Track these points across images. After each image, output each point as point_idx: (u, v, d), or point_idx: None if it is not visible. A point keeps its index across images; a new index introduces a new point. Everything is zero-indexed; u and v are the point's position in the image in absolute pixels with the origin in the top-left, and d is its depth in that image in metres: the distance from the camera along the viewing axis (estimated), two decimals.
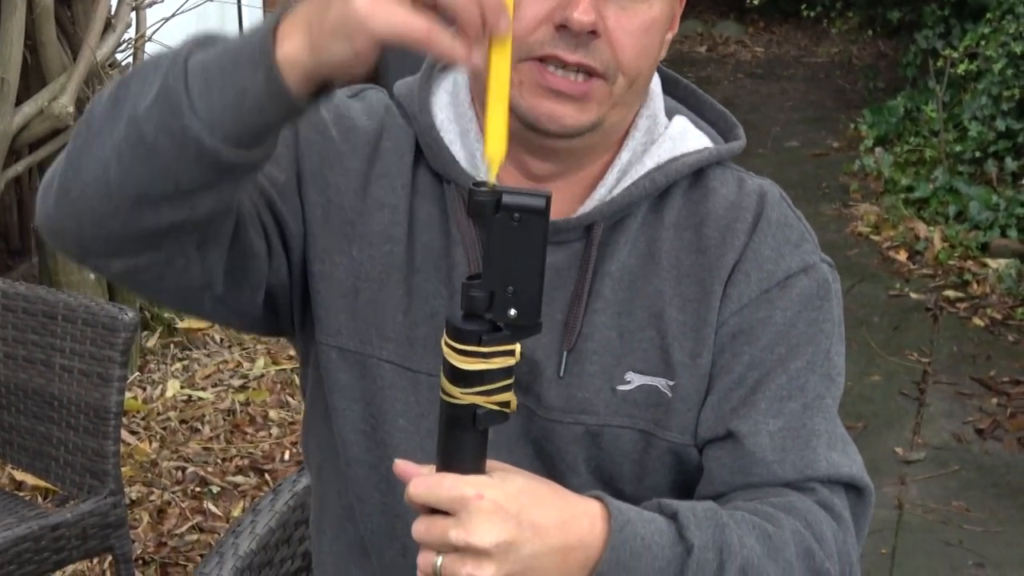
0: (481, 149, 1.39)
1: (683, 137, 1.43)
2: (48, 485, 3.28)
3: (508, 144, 1.32)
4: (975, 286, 5.24)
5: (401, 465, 1.19)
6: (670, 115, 1.46)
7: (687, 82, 1.50)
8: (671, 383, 1.37)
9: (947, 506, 3.76)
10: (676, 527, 1.23)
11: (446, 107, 1.43)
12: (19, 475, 3.59)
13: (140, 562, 3.37)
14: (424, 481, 1.15)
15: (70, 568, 3.26)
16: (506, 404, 1.14)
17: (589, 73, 1.30)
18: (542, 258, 1.11)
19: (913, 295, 5.23)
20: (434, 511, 1.15)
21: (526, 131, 1.34)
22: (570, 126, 1.33)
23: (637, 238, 1.39)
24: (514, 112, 1.31)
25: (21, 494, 3.38)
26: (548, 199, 1.09)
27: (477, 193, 1.08)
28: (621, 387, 1.37)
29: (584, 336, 1.36)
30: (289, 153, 1.40)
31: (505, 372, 1.13)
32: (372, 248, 1.39)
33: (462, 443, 1.15)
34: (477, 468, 1.16)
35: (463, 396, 1.13)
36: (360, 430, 1.42)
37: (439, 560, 1.14)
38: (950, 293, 5.21)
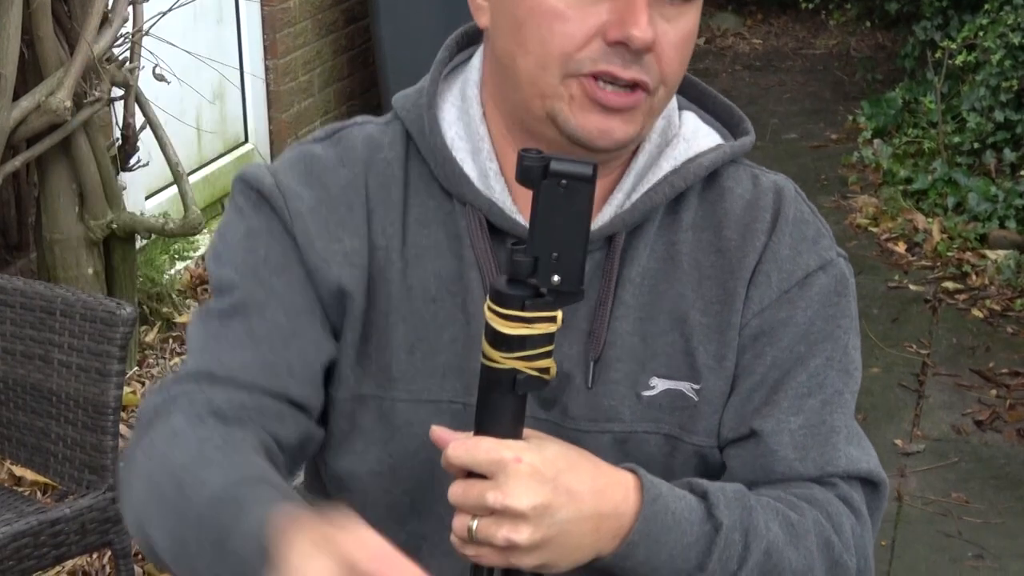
0: (494, 167, 1.37)
1: (695, 136, 1.42)
2: (47, 480, 3.28)
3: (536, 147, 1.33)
4: (974, 277, 5.24)
5: (438, 431, 1.21)
6: (679, 111, 1.45)
7: (691, 76, 1.48)
8: (696, 387, 1.37)
9: (946, 498, 3.77)
10: (706, 505, 1.25)
11: (455, 123, 1.40)
12: (18, 470, 3.59)
13: (139, 557, 3.37)
14: (462, 444, 1.16)
15: (69, 563, 3.26)
16: (546, 370, 1.16)
17: (636, 85, 1.29)
18: (587, 225, 1.13)
19: (912, 287, 5.23)
20: (470, 475, 1.17)
21: (572, 146, 1.32)
22: (620, 140, 1.32)
23: (656, 242, 1.39)
24: (561, 126, 1.31)
25: (20, 489, 3.38)
26: (595, 167, 1.11)
27: (526, 159, 1.11)
28: (646, 393, 1.36)
29: (608, 344, 1.36)
30: (312, 303, 1.36)
31: (546, 338, 1.15)
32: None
33: (500, 407, 1.17)
34: (514, 433, 1.18)
35: (504, 360, 1.15)
36: (377, 472, 1.40)
37: (475, 523, 1.15)
38: (949, 285, 5.21)
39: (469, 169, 1.38)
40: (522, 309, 1.13)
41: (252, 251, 1.36)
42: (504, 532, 1.14)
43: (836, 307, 1.39)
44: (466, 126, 1.40)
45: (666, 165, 1.39)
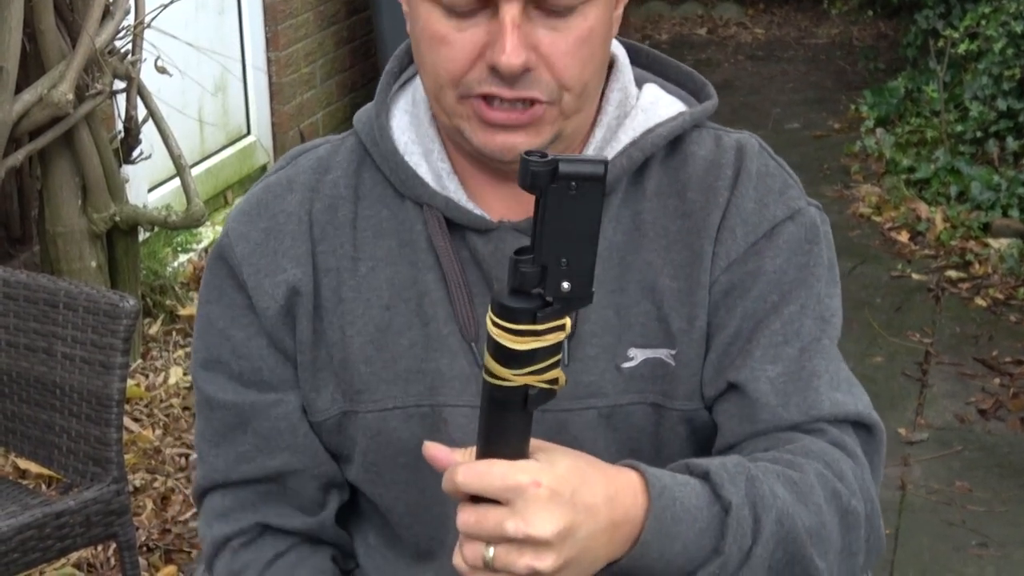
0: (446, 167, 1.38)
1: (655, 106, 1.41)
2: (51, 473, 3.29)
3: (474, 168, 1.35)
4: (977, 266, 5.23)
5: (432, 449, 1.16)
6: (639, 84, 1.44)
7: (648, 48, 1.48)
8: (673, 352, 1.36)
9: (950, 487, 3.77)
10: (710, 487, 1.21)
11: (408, 128, 1.41)
12: (22, 463, 3.60)
13: (144, 549, 3.37)
14: (472, 469, 1.10)
15: (74, 555, 3.26)
16: (555, 381, 1.10)
17: (532, 101, 1.28)
18: (598, 226, 1.06)
19: (915, 276, 5.23)
20: (477, 498, 1.11)
21: (489, 159, 1.33)
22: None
23: (620, 213, 1.38)
24: (471, 145, 1.31)
25: (24, 482, 3.39)
26: (606, 164, 1.05)
27: (532, 163, 1.03)
28: (626, 364, 1.36)
29: (581, 319, 1.35)
30: (281, 364, 1.43)
31: (556, 348, 1.08)
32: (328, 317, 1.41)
33: (509, 426, 1.10)
34: (522, 450, 1.11)
35: (515, 378, 1.08)
36: (367, 479, 1.43)
37: (491, 551, 1.09)
38: (952, 274, 5.21)
39: (424, 172, 1.39)
40: (533, 322, 1.06)
41: (227, 340, 1.43)
42: (527, 560, 1.09)
43: (808, 255, 1.38)
44: (417, 130, 1.41)
45: (624, 138, 1.39)
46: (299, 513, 1.45)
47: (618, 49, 1.43)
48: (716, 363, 1.37)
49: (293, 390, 1.42)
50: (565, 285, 1.06)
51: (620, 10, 1.36)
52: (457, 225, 1.37)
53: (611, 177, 1.35)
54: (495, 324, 1.07)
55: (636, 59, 1.47)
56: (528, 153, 1.04)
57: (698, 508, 1.19)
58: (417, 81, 1.43)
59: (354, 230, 1.40)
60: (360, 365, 1.38)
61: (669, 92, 1.45)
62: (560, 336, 1.08)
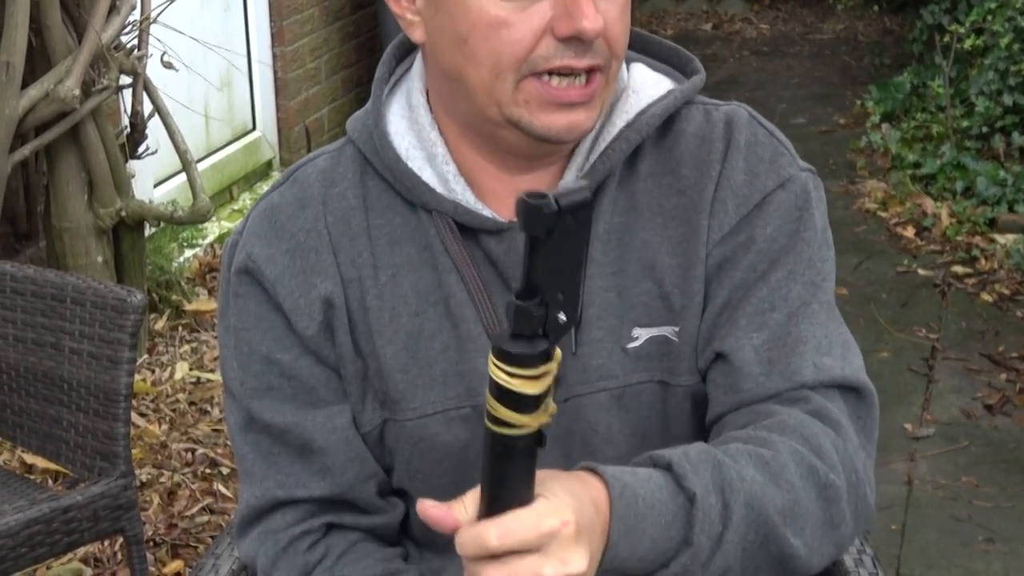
0: (451, 169, 1.38)
1: (644, 87, 1.41)
2: (59, 468, 3.29)
3: (487, 164, 1.33)
4: (983, 262, 5.23)
5: (430, 510, 1.09)
6: (627, 64, 1.44)
7: (632, 27, 1.47)
8: (676, 329, 1.37)
9: (956, 482, 3.76)
10: (673, 478, 1.19)
11: (407, 134, 1.40)
12: (30, 458, 3.60)
13: (151, 543, 3.38)
14: (504, 529, 1.05)
15: (81, 550, 3.27)
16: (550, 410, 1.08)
17: (590, 71, 1.29)
18: (585, 252, 1.06)
19: (921, 271, 5.22)
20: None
21: (538, 144, 1.32)
22: (588, 129, 1.32)
23: (617, 196, 1.38)
24: (524, 129, 1.31)
25: (32, 477, 3.39)
26: (589, 188, 1.03)
27: (544, 206, 0.98)
28: (631, 345, 1.36)
29: (585, 304, 1.36)
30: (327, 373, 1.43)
31: (556, 378, 1.06)
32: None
33: (523, 468, 1.07)
34: (532, 488, 1.08)
35: (532, 421, 1.04)
36: (413, 486, 1.44)
37: None
38: (958, 269, 5.20)
39: (428, 177, 1.38)
40: (547, 361, 1.04)
41: (268, 364, 1.42)
42: None
43: (798, 221, 1.38)
44: (417, 135, 1.40)
45: (619, 121, 1.39)
46: (365, 515, 1.45)
47: None
48: (706, 334, 1.37)
49: (347, 401, 1.42)
50: (562, 317, 1.04)
51: None
52: (468, 228, 1.37)
53: (611, 162, 1.37)
54: (512, 375, 1.03)
55: None
56: (528, 195, 1.00)
57: (662, 502, 1.17)
58: (409, 84, 1.42)
59: (369, 240, 1.40)
60: (396, 374, 1.38)
61: (656, 70, 1.45)
62: (557, 364, 1.06)
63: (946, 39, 6.30)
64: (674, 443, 1.34)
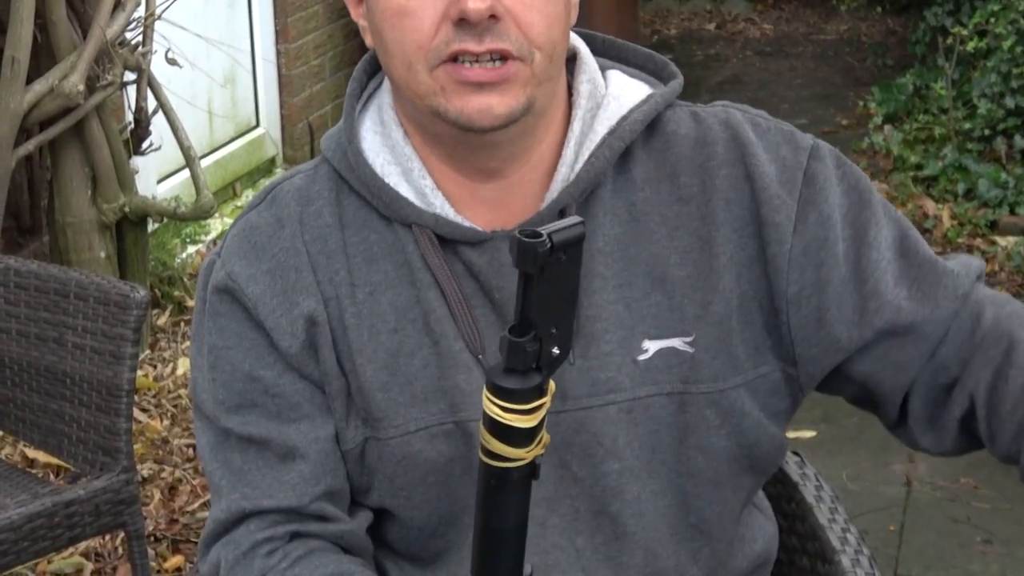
0: (428, 183, 1.37)
1: (623, 93, 1.41)
2: (61, 462, 3.30)
3: (447, 148, 1.33)
4: (984, 264, 5.23)
5: None
6: (602, 72, 1.44)
7: (603, 35, 1.48)
8: (688, 339, 1.37)
9: (955, 483, 3.77)
10: None
11: (381, 150, 1.40)
12: (32, 452, 3.61)
13: (152, 538, 3.39)
14: None
15: (83, 544, 3.28)
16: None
17: (504, 57, 1.28)
18: (577, 285, 1.07)
19: None
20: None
21: (463, 133, 1.32)
22: (503, 115, 1.30)
23: (615, 206, 1.38)
24: (443, 118, 1.30)
25: (34, 471, 3.40)
26: (583, 223, 1.05)
27: (539, 244, 1.01)
28: (641, 357, 1.36)
29: (592, 318, 1.35)
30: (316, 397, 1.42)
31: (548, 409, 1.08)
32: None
33: (517, 501, 1.09)
34: (526, 522, 1.10)
35: (528, 454, 1.07)
36: (397, 504, 1.43)
37: None
38: None
39: (405, 191, 1.38)
40: (542, 396, 1.05)
41: (249, 378, 1.41)
42: None
43: (845, 179, 1.41)
44: (391, 150, 1.39)
45: (601, 128, 1.38)
46: (332, 523, 1.43)
47: (576, 40, 1.43)
48: (845, 320, 1.38)
49: (331, 416, 1.41)
50: (555, 350, 1.05)
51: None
52: (448, 240, 1.37)
53: (596, 170, 1.36)
54: (506, 410, 1.05)
55: (593, 47, 1.47)
56: (522, 232, 1.01)
57: None
58: (380, 99, 1.42)
59: (346, 257, 1.39)
60: (376, 392, 1.37)
61: (633, 77, 1.45)
62: (551, 398, 1.07)
63: (949, 41, 6.31)
64: (690, 454, 1.36)
